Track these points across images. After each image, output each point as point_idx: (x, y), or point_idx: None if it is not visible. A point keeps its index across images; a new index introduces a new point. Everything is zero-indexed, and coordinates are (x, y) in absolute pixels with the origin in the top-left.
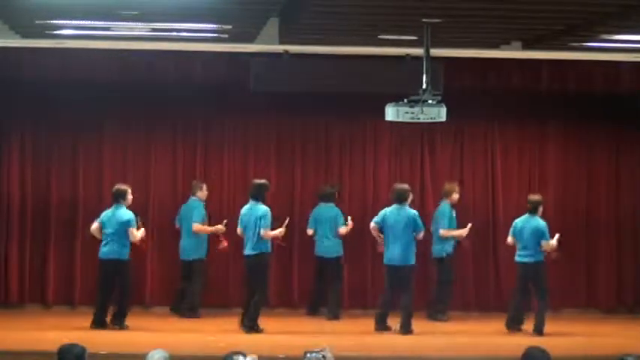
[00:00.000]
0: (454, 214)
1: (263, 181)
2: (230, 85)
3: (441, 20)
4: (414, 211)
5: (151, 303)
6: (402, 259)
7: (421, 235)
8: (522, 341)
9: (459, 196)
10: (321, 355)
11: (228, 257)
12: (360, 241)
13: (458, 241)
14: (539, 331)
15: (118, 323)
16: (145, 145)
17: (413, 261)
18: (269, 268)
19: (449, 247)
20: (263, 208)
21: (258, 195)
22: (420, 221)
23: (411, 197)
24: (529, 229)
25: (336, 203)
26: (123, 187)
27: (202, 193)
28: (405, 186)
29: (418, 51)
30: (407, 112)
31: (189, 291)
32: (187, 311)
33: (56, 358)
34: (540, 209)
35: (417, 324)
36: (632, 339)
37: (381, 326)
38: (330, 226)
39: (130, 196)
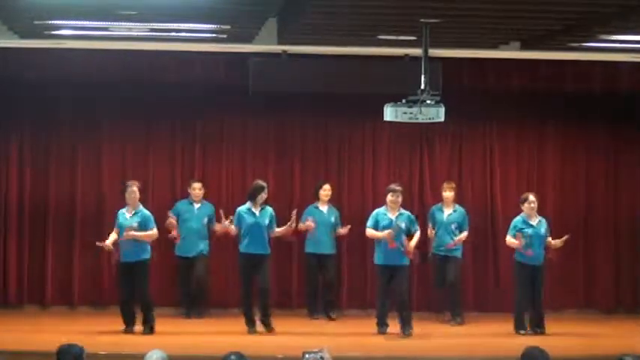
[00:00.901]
0: (441, 215)
1: (258, 183)
2: (229, 85)
3: (439, 20)
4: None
5: None
6: None
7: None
8: (522, 341)
9: (452, 195)
10: (319, 356)
11: (228, 257)
12: (359, 242)
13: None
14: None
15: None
16: (144, 145)
17: (375, 260)
18: (242, 267)
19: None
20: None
21: (250, 196)
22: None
23: (390, 197)
24: None
25: (317, 199)
26: (127, 183)
27: (191, 191)
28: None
29: (417, 51)
30: (405, 113)
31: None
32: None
33: (55, 358)
34: (523, 206)
35: (416, 324)
36: (631, 339)
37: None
38: None
39: (133, 195)
